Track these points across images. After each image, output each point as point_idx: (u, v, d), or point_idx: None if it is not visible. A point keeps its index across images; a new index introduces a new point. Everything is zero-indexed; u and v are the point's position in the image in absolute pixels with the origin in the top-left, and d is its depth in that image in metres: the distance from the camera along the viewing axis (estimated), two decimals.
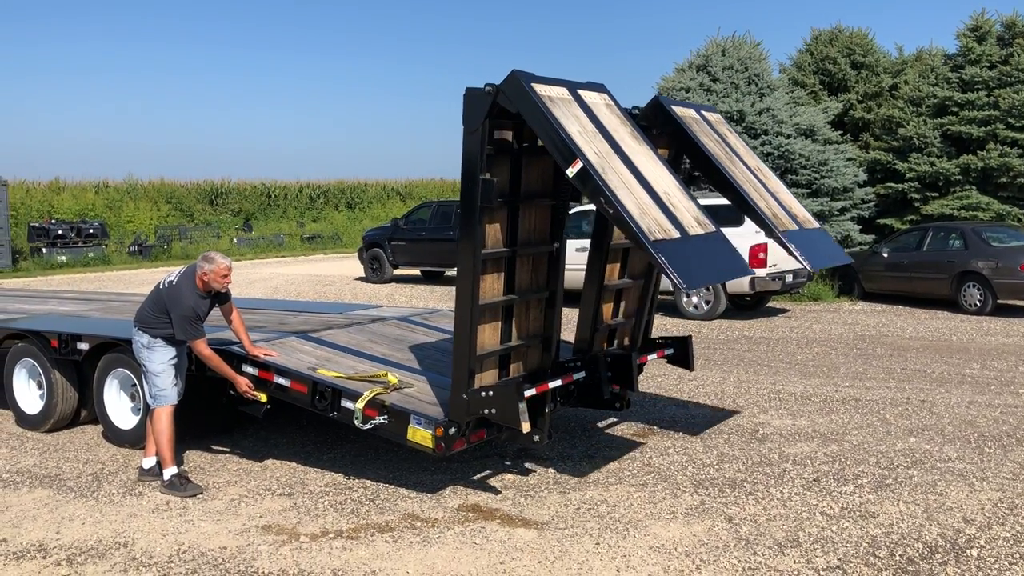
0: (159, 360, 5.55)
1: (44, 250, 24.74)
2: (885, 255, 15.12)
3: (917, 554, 4.35)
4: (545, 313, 5.73)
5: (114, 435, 6.64)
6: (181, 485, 5.50)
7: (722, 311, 13.32)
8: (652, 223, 4.61)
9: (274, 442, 6.64)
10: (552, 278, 5.72)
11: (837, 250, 6.72)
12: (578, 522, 4.87)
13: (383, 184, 42.15)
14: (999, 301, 13.54)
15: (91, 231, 26.60)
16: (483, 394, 5.00)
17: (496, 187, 4.90)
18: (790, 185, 17.29)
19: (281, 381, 5.73)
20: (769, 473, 5.70)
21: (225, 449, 6.49)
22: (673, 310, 13.67)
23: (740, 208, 6.02)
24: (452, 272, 20.06)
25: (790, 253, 5.77)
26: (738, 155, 6.40)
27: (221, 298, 5.73)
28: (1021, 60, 17.88)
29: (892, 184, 18.67)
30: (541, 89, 4.81)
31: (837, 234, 17.26)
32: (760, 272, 12.79)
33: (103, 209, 31.50)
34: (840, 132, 19.83)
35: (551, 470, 5.80)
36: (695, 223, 5.03)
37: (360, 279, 20.43)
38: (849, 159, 18.46)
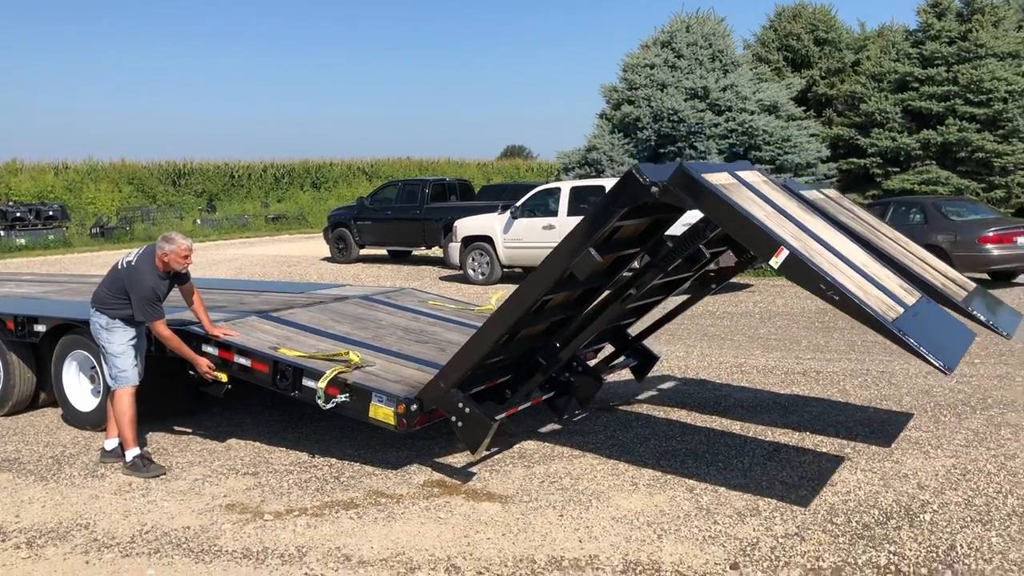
0: (118, 341, 5.49)
1: (2, 233, 24.31)
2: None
3: (873, 520, 4.44)
4: (548, 332, 5.62)
5: (74, 417, 6.57)
6: (144, 466, 5.46)
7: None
8: (879, 303, 4.18)
9: (238, 422, 6.61)
10: (578, 306, 5.61)
11: (1006, 306, 6.04)
12: (542, 495, 4.91)
13: (348, 163, 41.86)
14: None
15: (51, 213, 26.17)
16: (460, 404, 4.95)
17: (594, 266, 4.60)
18: (755, 161, 17.43)
19: (242, 361, 5.68)
20: (730, 444, 5.78)
21: (188, 430, 6.44)
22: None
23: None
24: (419, 252, 20.08)
25: (984, 324, 5.20)
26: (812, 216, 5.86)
27: (180, 279, 5.67)
28: (979, 36, 18.12)
29: (854, 160, 18.92)
30: (713, 179, 4.43)
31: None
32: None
33: (63, 191, 30.98)
34: (803, 108, 20.02)
35: (516, 446, 5.83)
36: (903, 291, 4.67)
37: (326, 259, 20.31)
38: (812, 135, 18.65)
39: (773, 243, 4.07)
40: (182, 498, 5.04)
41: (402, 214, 19.01)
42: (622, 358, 6.62)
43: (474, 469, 5.37)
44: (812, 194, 5.68)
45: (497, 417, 5.11)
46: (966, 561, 3.95)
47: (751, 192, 4.63)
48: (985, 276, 14.20)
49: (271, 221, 32.07)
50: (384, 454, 5.73)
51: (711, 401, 6.92)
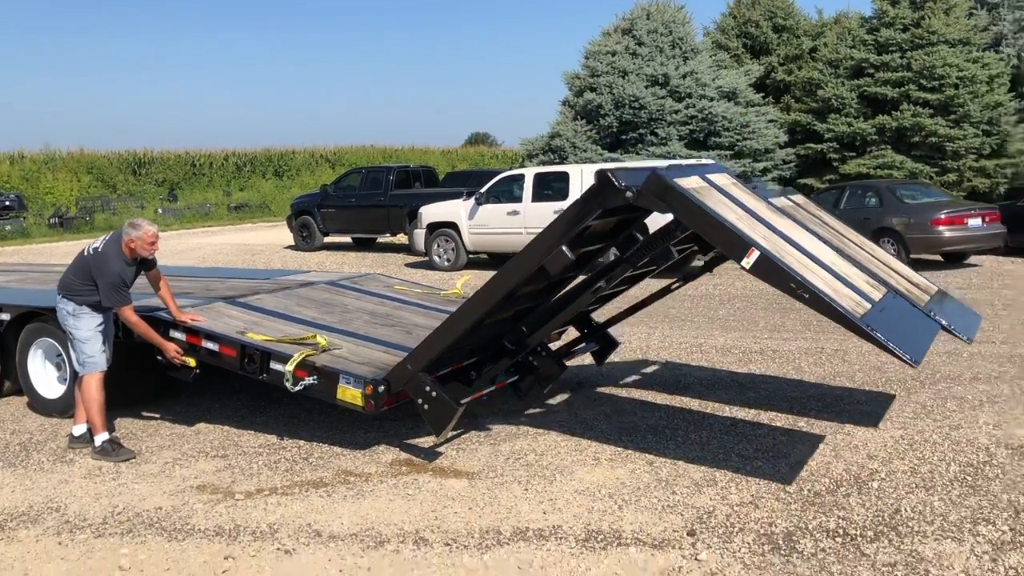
0: (85, 327, 5.53)
1: None
2: None
3: (823, 488, 4.65)
4: (515, 318, 5.73)
5: (40, 405, 6.59)
6: (113, 451, 5.52)
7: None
8: (848, 300, 4.31)
9: (206, 407, 6.67)
10: (546, 295, 5.73)
11: (966, 308, 6.27)
12: (507, 471, 5.05)
13: (311, 151, 41.63)
14: (912, 256, 14.11)
15: (7, 203, 25.82)
16: (427, 388, 5.05)
17: (567, 263, 4.73)
18: (714, 147, 17.69)
19: (210, 346, 5.75)
20: (689, 420, 5.96)
21: (156, 415, 6.50)
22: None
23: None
24: (384, 239, 20.10)
25: (946, 329, 5.30)
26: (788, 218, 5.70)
27: (147, 265, 5.71)
28: (932, 23, 18.50)
29: (812, 145, 19.24)
30: (685, 183, 4.53)
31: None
32: None
33: (19, 180, 30.50)
34: (762, 94, 20.31)
35: (481, 425, 5.96)
36: (869, 287, 4.82)
37: (290, 247, 20.27)
38: (770, 121, 18.95)
39: (744, 244, 4.21)
40: (153, 480, 5.11)
41: (366, 201, 19.02)
42: (583, 344, 6.76)
43: (441, 448, 5.50)
44: (780, 201, 5.82)
45: (462, 401, 5.24)
46: (910, 523, 4.16)
47: (722, 195, 4.78)
48: (938, 257, 14.60)
49: (234, 210, 31.83)
50: (352, 435, 5.84)
51: (671, 380, 7.11)
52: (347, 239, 20.64)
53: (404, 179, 19.53)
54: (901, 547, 3.92)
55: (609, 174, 4.51)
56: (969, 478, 4.75)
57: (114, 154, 35.03)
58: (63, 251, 19.93)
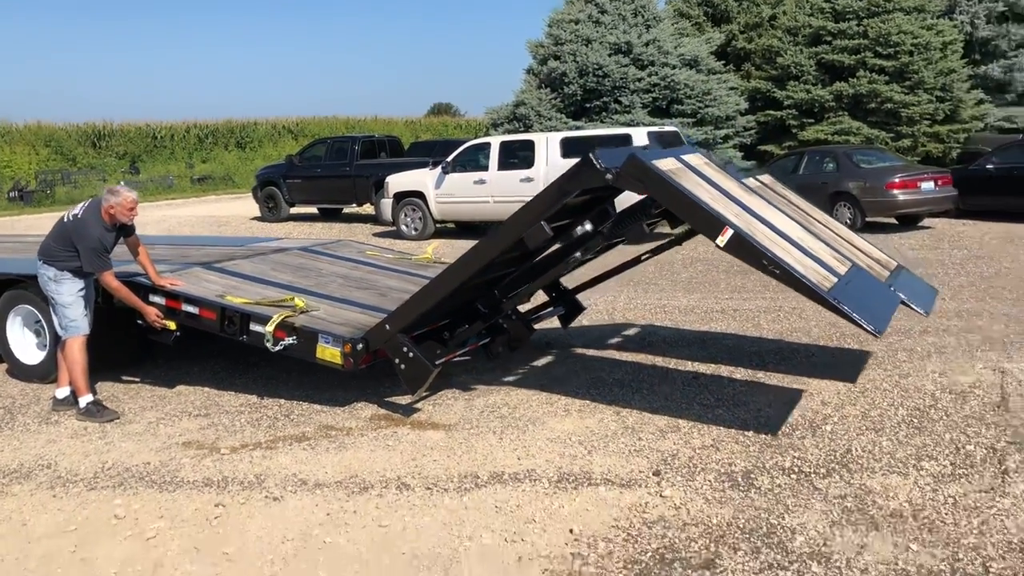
0: (67, 292, 5.65)
1: None
2: None
3: (780, 432, 4.94)
4: (489, 284, 5.96)
5: (21, 371, 6.69)
6: (98, 411, 5.67)
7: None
8: (815, 274, 4.53)
9: (185, 370, 6.82)
10: (520, 262, 5.97)
11: (922, 283, 6.51)
12: (483, 422, 5.30)
13: (273, 123, 41.23)
14: (867, 219, 14.53)
15: None
16: (405, 348, 5.26)
17: (545, 238, 5.01)
18: (676, 115, 17.94)
19: (189, 309, 5.90)
20: (654, 374, 6.24)
21: (136, 379, 6.64)
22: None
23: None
24: (350, 209, 20.14)
25: (905, 304, 5.57)
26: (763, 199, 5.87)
27: (126, 231, 5.84)
28: None
29: (771, 112, 19.58)
30: (662, 164, 4.76)
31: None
32: None
33: None
34: (723, 62, 20.58)
35: (456, 382, 6.18)
36: (835, 261, 5.04)
37: (256, 219, 20.24)
38: (731, 88, 19.24)
39: (718, 223, 4.43)
40: (139, 439, 5.29)
41: (332, 172, 19.02)
42: (551, 307, 7.00)
43: (418, 404, 5.72)
44: (749, 182, 6.04)
45: (438, 362, 5.46)
46: (860, 461, 4.47)
47: (696, 176, 5.02)
48: (892, 220, 15.02)
49: (197, 182, 31.58)
50: (331, 393, 6.04)
51: (637, 338, 7.38)
52: (313, 210, 20.64)
53: (370, 149, 19.55)
54: (851, 482, 4.23)
55: (591, 156, 4.73)
56: (915, 420, 5.08)
57: (73, 127, 34.48)
58: (24, 225, 19.75)
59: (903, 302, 5.52)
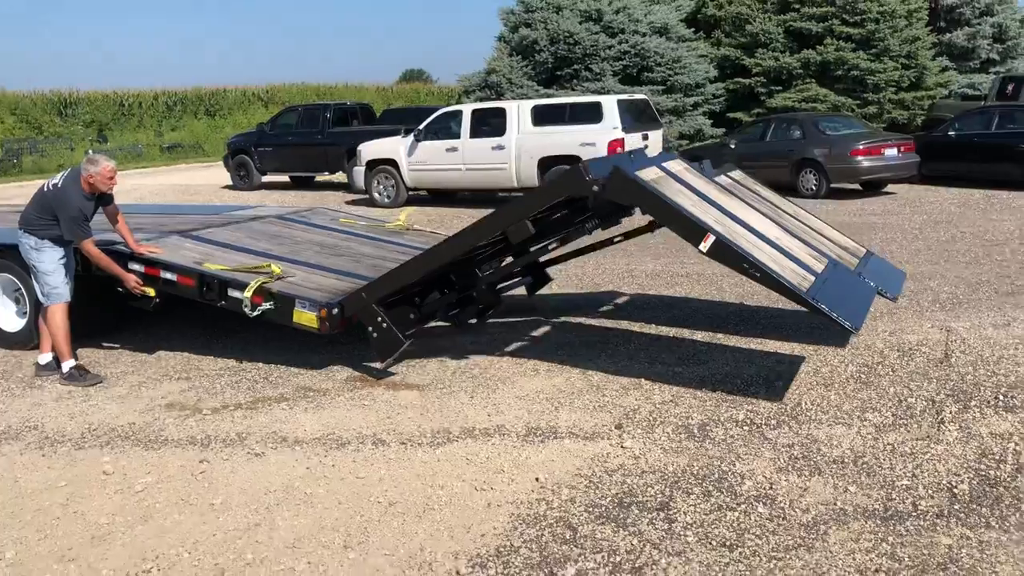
0: (48, 260, 5.79)
1: None
2: (733, 146, 16.17)
3: (735, 387, 5.22)
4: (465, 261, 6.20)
5: (1, 338, 6.83)
6: (80, 376, 5.85)
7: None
8: (793, 275, 4.73)
9: (164, 336, 6.99)
10: (499, 244, 6.15)
11: (891, 267, 6.69)
12: (455, 382, 5.54)
13: (243, 90, 40.80)
14: (832, 185, 14.84)
15: None
16: (379, 318, 5.46)
17: (527, 235, 5.28)
18: (646, 83, 18.11)
19: (168, 276, 6.07)
20: (619, 336, 6.50)
21: (116, 345, 6.81)
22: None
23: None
24: (322, 177, 20.19)
25: (866, 284, 5.73)
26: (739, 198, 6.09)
27: (104, 200, 5.98)
28: None
29: (740, 79, 19.80)
30: (645, 175, 4.98)
31: (690, 128, 18.31)
32: None
33: None
34: (693, 29, 20.72)
35: (430, 345, 6.41)
36: (812, 259, 5.25)
37: (228, 187, 20.23)
38: (701, 56, 19.43)
39: (701, 231, 4.65)
40: (122, 401, 5.48)
41: (304, 139, 19.05)
42: (519, 278, 7.21)
43: (392, 366, 5.95)
44: (721, 179, 6.30)
45: (408, 334, 5.69)
46: (808, 413, 4.77)
47: (677, 183, 5.24)
48: (857, 186, 15.35)
49: (166, 151, 31.36)
50: (308, 357, 6.24)
51: (604, 302, 7.64)
52: (285, 178, 20.66)
53: (342, 117, 19.57)
54: (799, 432, 4.52)
55: (580, 167, 4.96)
56: (863, 376, 5.38)
57: (38, 95, 33.92)
58: None
59: (873, 289, 5.73)
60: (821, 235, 6.27)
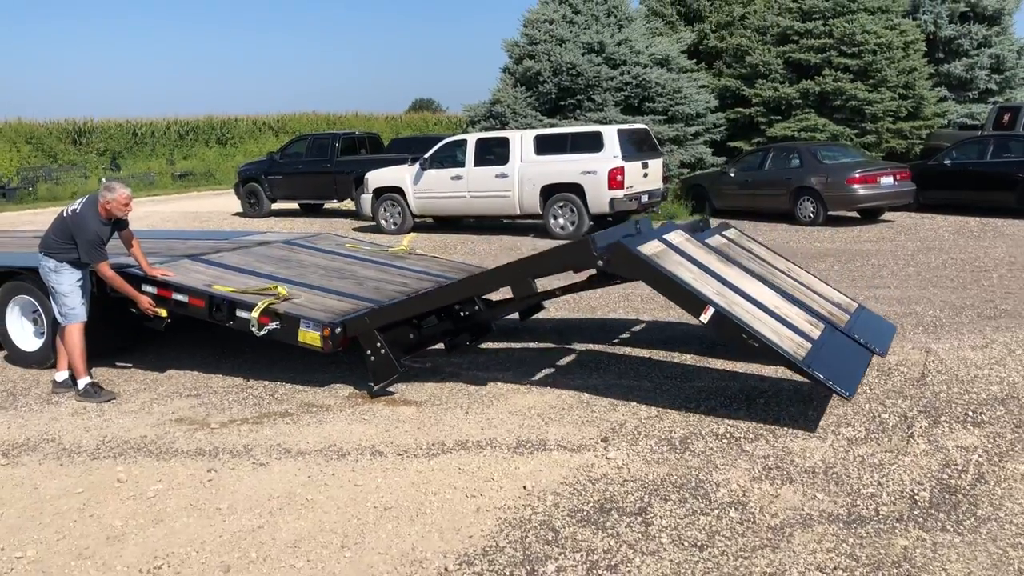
0: (67, 282, 6.10)
1: None
2: (732, 174, 16.50)
3: (718, 403, 5.47)
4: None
5: (19, 358, 7.13)
6: (95, 392, 6.13)
7: (586, 231, 14.37)
8: (790, 343, 4.93)
9: (174, 356, 7.28)
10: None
11: (882, 321, 6.72)
12: (451, 399, 5.80)
13: (254, 119, 41.50)
14: (830, 213, 15.12)
15: None
16: (378, 343, 5.75)
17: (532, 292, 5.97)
18: (648, 112, 18.47)
19: (180, 297, 6.37)
20: (610, 356, 6.76)
21: (128, 365, 7.10)
22: (543, 232, 14.68)
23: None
24: (331, 204, 20.57)
25: (863, 347, 5.73)
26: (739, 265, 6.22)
27: (120, 225, 6.30)
28: None
29: (741, 109, 20.13)
30: (647, 249, 5.27)
31: (690, 157, 18.61)
32: (618, 193, 13.91)
33: None
34: (695, 60, 21.09)
35: (427, 365, 6.67)
36: (809, 325, 5.41)
37: (238, 214, 20.61)
38: (702, 86, 19.77)
39: (700, 303, 4.93)
40: (135, 416, 5.76)
41: (313, 168, 19.43)
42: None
43: (392, 384, 6.21)
44: (716, 239, 6.57)
45: (404, 361, 6.01)
46: (785, 428, 5.00)
47: (678, 255, 5.52)
48: (854, 214, 15.62)
49: (178, 178, 31.86)
50: (311, 376, 6.52)
51: (598, 325, 7.91)
52: (294, 205, 21.03)
53: (350, 145, 19.98)
54: (775, 444, 4.77)
55: (589, 241, 5.25)
56: None
57: (53, 123, 34.62)
58: (8, 221, 20.04)
59: (862, 346, 5.73)
60: (813, 291, 6.43)
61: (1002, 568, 3.40)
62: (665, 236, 5.76)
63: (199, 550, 3.82)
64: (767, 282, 6.00)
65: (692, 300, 5.00)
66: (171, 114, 41.53)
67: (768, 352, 4.87)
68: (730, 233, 7.01)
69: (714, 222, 7.52)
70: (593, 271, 5.76)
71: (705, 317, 4.90)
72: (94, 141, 34.72)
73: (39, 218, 21.17)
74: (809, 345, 5.08)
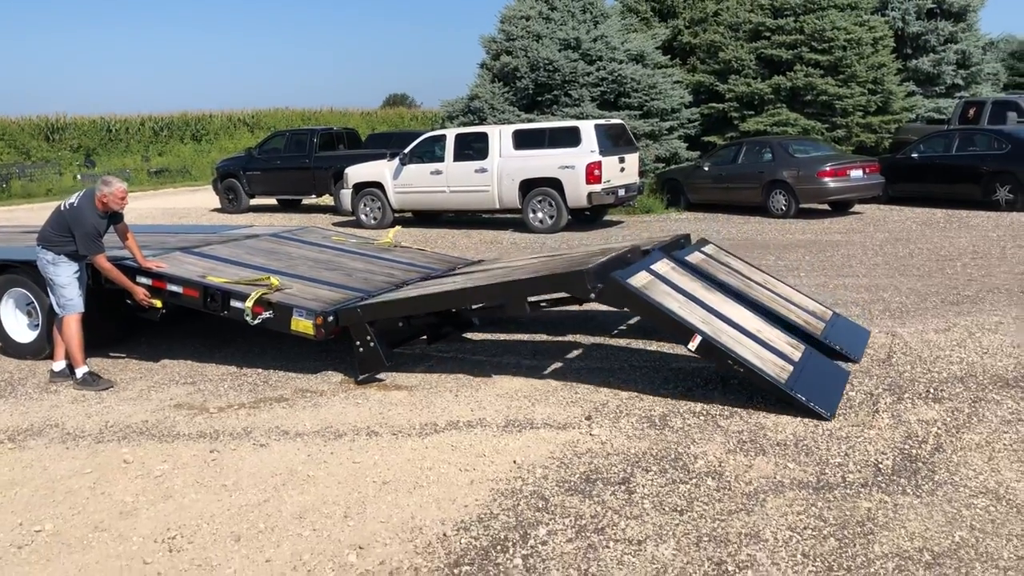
0: (64, 273, 6.27)
1: None
2: (707, 169, 16.83)
3: (695, 385, 5.75)
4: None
5: (14, 349, 7.28)
6: (93, 381, 6.31)
7: (564, 225, 14.66)
8: (773, 366, 5.21)
9: (166, 347, 7.47)
10: None
11: (857, 327, 6.89)
12: (441, 383, 6.05)
13: (229, 115, 41.41)
14: (801, 205, 15.49)
15: None
16: (368, 337, 5.97)
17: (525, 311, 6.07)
18: (624, 108, 18.75)
19: (174, 288, 6.57)
20: (593, 344, 7.03)
21: (122, 355, 7.27)
22: (522, 226, 14.93)
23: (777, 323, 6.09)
24: (309, 200, 20.71)
25: (836, 354, 6.02)
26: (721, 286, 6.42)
27: (116, 219, 6.48)
28: None
29: (714, 104, 20.47)
30: (635, 281, 5.54)
31: (666, 151, 18.93)
32: (596, 188, 14.20)
33: None
34: (669, 56, 21.40)
35: (418, 353, 6.91)
36: (790, 348, 5.64)
37: (216, 210, 20.69)
38: (676, 82, 20.08)
39: (688, 331, 5.24)
40: (134, 403, 5.95)
41: (291, 163, 19.56)
42: None
43: (382, 373, 6.44)
44: (695, 256, 6.81)
45: (393, 351, 6.26)
46: (758, 406, 5.29)
47: (665, 285, 5.80)
48: (825, 206, 16.01)
49: (153, 175, 31.79)
50: (304, 363, 6.74)
51: (584, 315, 8.16)
52: (273, 201, 21.15)
53: (328, 141, 20.13)
54: (749, 421, 5.05)
55: (585, 274, 5.52)
56: None
57: (25, 120, 34.40)
58: None
59: (837, 352, 6.03)
60: (789, 301, 6.70)
61: (955, 525, 3.70)
62: (652, 267, 6.01)
63: (209, 522, 4.04)
64: (747, 299, 6.27)
65: (680, 329, 5.32)
66: (145, 111, 41.37)
67: (752, 376, 5.16)
68: (708, 249, 7.26)
69: (694, 237, 7.76)
70: None
71: (693, 345, 5.22)
72: (67, 138, 34.53)
73: (15, 215, 21.14)
74: (791, 368, 5.35)
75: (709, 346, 5.20)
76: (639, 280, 5.64)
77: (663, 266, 6.17)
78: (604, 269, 5.64)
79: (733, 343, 5.34)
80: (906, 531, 3.66)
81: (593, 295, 5.54)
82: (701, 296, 5.90)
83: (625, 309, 5.88)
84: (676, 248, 6.96)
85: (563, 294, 6.23)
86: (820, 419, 4.97)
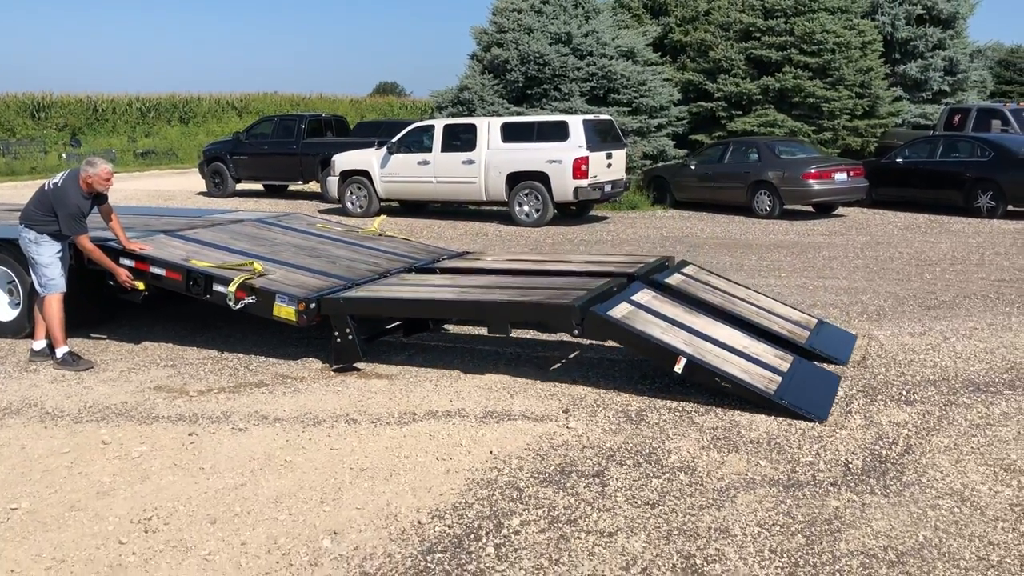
0: (47, 253, 6.27)
1: None
2: (693, 167, 16.92)
3: (673, 382, 5.80)
4: None
5: None
6: (73, 361, 6.31)
7: (550, 219, 14.71)
8: (761, 379, 5.26)
9: (148, 329, 7.47)
10: None
11: (842, 333, 6.90)
12: (421, 373, 6.09)
13: (217, 98, 41.21)
14: (785, 206, 15.61)
15: None
16: (347, 330, 5.99)
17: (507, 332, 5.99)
18: (613, 104, 18.80)
19: (157, 271, 6.57)
20: (576, 342, 7.03)
21: (103, 336, 7.27)
22: (507, 218, 14.98)
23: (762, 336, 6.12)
24: (296, 186, 20.67)
25: (822, 360, 6.07)
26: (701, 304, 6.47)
27: (100, 200, 6.48)
28: None
29: (703, 103, 20.55)
30: (616, 312, 5.59)
31: (653, 149, 19.00)
32: (582, 183, 14.24)
33: None
34: (660, 54, 21.45)
35: (399, 343, 6.94)
36: (777, 359, 5.68)
37: (202, 194, 20.62)
38: (666, 80, 20.15)
39: (672, 355, 5.27)
40: (114, 384, 5.96)
41: (279, 149, 19.53)
42: None
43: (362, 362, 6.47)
44: (675, 278, 6.80)
45: (370, 338, 6.31)
46: (731, 404, 5.35)
47: (646, 313, 5.82)
48: (809, 208, 16.12)
49: (140, 156, 31.61)
50: (285, 349, 6.76)
51: None
52: (259, 186, 21.09)
53: (316, 128, 20.09)
54: (723, 418, 5.12)
55: (571, 311, 5.55)
56: None
57: (11, 97, 34.09)
58: None
59: (823, 358, 6.07)
60: (773, 313, 6.72)
61: (920, 525, 3.78)
62: (633, 297, 6.04)
63: (185, 504, 4.07)
64: (731, 315, 6.30)
65: (664, 353, 5.35)
66: (133, 91, 41.03)
67: (741, 391, 5.20)
68: (688, 270, 7.23)
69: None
70: None
71: (678, 367, 5.25)
72: (53, 116, 34.27)
73: None
74: (779, 379, 5.40)
75: (694, 366, 5.24)
76: (619, 312, 5.68)
77: (644, 295, 6.19)
78: (587, 304, 5.67)
79: (720, 361, 5.39)
80: (872, 530, 3.74)
81: (576, 332, 5.58)
82: (683, 319, 5.93)
83: (609, 342, 5.97)
84: (659, 271, 6.94)
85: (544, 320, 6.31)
86: (814, 423, 5.00)
